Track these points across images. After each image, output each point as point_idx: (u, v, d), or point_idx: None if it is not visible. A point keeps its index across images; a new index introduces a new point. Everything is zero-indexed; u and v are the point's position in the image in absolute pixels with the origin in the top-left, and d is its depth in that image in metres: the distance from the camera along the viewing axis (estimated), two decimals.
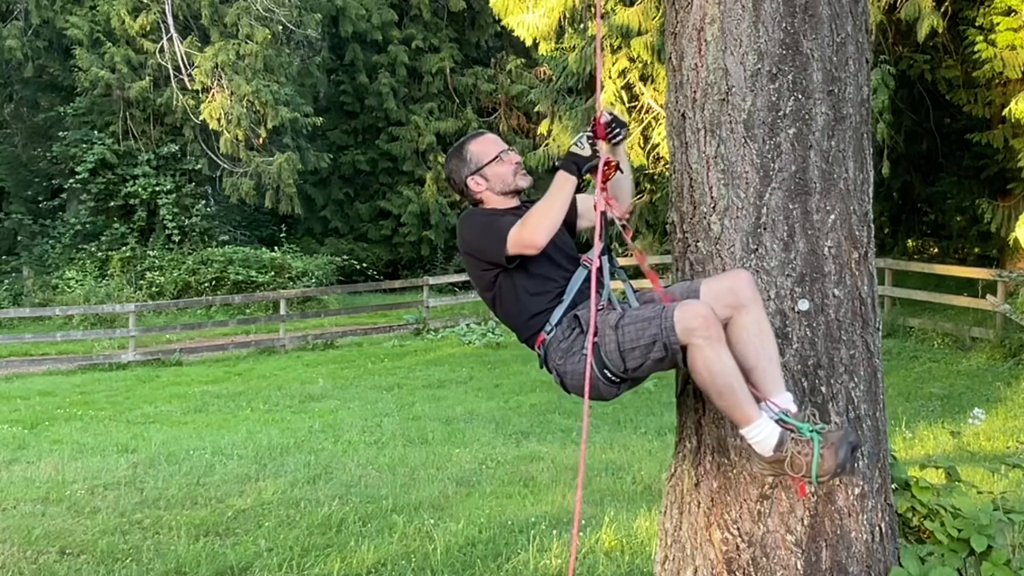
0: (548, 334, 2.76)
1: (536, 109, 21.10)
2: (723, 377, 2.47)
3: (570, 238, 2.98)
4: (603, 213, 2.78)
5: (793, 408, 2.54)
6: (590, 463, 6.69)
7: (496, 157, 2.97)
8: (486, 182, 2.97)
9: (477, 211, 2.99)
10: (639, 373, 2.65)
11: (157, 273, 20.70)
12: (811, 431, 2.45)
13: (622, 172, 2.88)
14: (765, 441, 2.48)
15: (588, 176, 2.78)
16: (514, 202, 3.00)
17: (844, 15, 2.76)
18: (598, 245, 2.74)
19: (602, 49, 17.22)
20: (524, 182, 2.99)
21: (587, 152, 2.73)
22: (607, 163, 2.77)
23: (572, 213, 2.90)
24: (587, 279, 2.77)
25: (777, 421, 2.51)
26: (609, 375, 2.63)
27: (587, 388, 2.63)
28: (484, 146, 2.99)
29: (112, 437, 8.47)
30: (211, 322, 17.08)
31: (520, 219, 2.77)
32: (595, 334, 2.62)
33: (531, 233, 2.71)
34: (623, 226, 2.86)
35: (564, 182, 2.74)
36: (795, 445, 2.44)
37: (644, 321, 2.58)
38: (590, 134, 2.76)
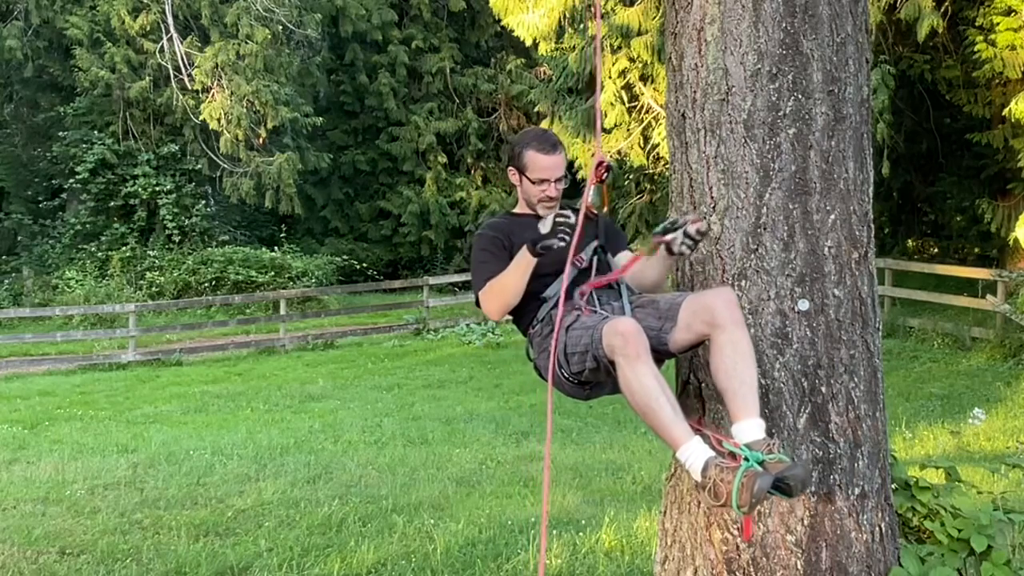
0: (533, 328, 2.88)
1: (536, 109, 21.07)
2: (642, 397, 2.45)
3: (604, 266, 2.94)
4: (589, 216, 2.83)
5: (755, 436, 2.43)
6: (590, 463, 6.69)
7: (536, 180, 2.97)
8: (519, 183, 3.04)
9: (484, 230, 3.04)
10: (587, 378, 2.68)
11: (157, 273, 20.70)
12: (754, 459, 2.34)
13: (612, 172, 2.94)
14: (693, 465, 2.42)
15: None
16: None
17: (844, 15, 2.76)
18: (575, 246, 2.76)
19: (602, 54, 17.22)
20: (543, 213, 2.96)
21: (546, 229, 2.72)
22: (599, 163, 2.84)
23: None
24: (575, 278, 2.83)
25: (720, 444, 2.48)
26: (565, 375, 2.71)
27: (550, 384, 2.76)
28: (538, 162, 2.96)
29: (112, 437, 8.46)
30: (211, 322, 17.08)
31: (487, 282, 2.85)
32: (558, 333, 2.71)
33: (487, 305, 2.86)
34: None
35: (520, 259, 2.77)
36: (719, 472, 2.35)
37: (584, 329, 2.64)
38: (565, 215, 2.72)
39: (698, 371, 2.83)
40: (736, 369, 2.50)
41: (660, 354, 2.71)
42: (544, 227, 2.74)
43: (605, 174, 2.86)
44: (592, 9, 17.47)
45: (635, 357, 2.44)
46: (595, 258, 2.88)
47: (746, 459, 2.34)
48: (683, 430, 2.45)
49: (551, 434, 2.73)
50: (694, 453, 2.41)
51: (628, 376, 2.45)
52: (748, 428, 2.45)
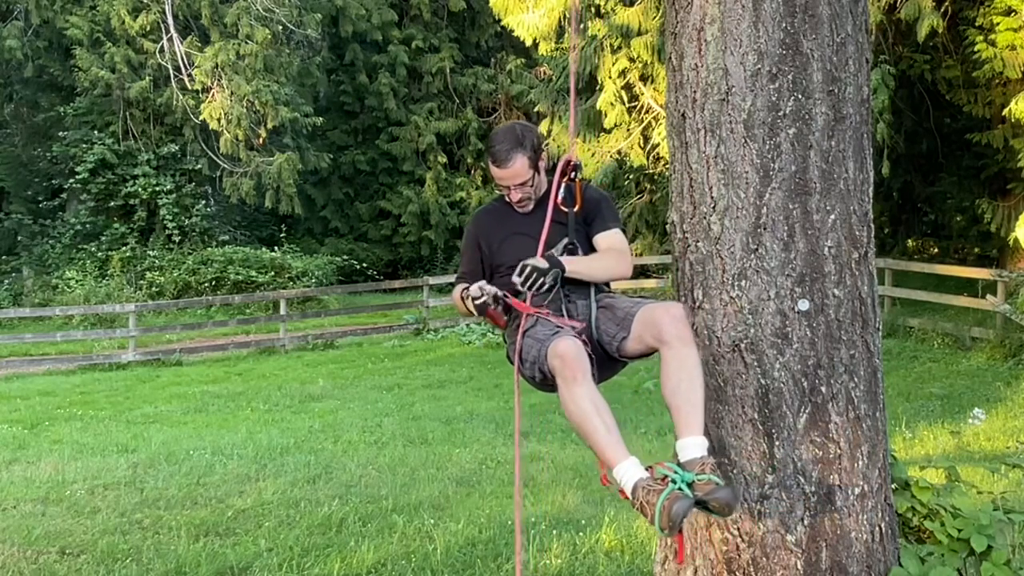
0: (507, 317, 2.96)
1: (536, 109, 21.09)
2: (577, 418, 2.53)
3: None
4: (565, 213, 2.93)
5: (694, 455, 2.46)
6: (590, 463, 6.67)
7: (500, 186, 3.05)
8: None
9: (470, 223, 3.20)
10: (542, 382, 2.75)
11: (157, 273, 20.70)
12: (681, 481, 2.37)
13: (580, 171, 2.97)
14: (625, 486, 2.47)
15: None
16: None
17: (844, 15, 2.76)
18: (542, 248, 2.86)
19: (601, 54, 17.23)
20: (519, 209, 3.06)
21: (480, 301, 2.79)
22: (567, 162, 2.93)
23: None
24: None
25: (649, 467, 2.50)
26: (527, 376, 2.78)
27: (516, 375, 2.85)
28: (492, 171, 3.03)
29: (112, 437, 8.46)
30: (211, 322, 17.07)
31: (457, 280, 3.05)
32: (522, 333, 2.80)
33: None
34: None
35: (459, 304, 2.94)
36: (645, 494, 2.39)
37: (535, 340, 2.71)
38: (478, 295, 2.80)
39: None
40: (680, 387, 2.55)
41: (617, 359, 2.80)
42: (467, 302, 2.85)
43: (573, 173, 2.92)
44: (587, 9, 17.52)
45: (572, 380, 2.52)
46: (565, 255, 2.92)
47: (672, 481, 2.38)
48: (617, 451, 2.51)
49: (519, 422, 2.78)
50: (626, 474, 2.47)
51: (565, 397, 2.54)
52: (689, 446, 2.50)
